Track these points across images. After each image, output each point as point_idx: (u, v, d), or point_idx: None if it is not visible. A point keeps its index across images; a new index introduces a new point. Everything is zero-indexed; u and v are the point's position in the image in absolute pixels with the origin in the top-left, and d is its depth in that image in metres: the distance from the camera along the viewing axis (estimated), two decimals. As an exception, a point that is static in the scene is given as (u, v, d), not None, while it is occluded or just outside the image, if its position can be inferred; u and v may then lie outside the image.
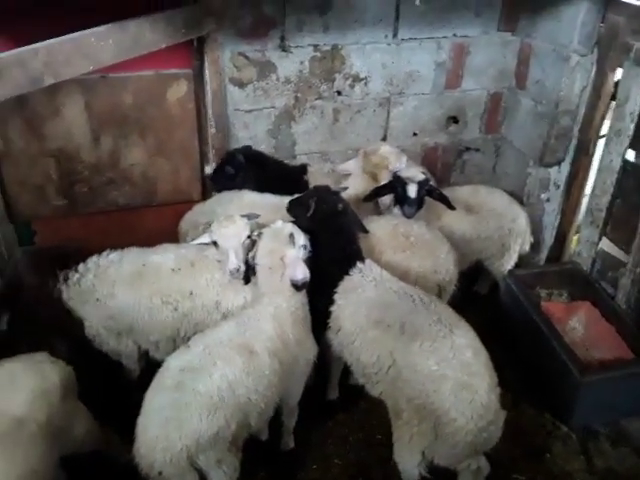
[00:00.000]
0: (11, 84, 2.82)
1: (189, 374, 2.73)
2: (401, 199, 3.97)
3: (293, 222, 3.38)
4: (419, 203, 3.97)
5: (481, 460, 2.94)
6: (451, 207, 4.08)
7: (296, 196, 3.77)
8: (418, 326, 2.99)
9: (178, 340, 3.46)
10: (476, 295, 5.13)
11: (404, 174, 3.99)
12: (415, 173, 4.01)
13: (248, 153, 4.45)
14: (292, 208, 3.67)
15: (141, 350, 3.64)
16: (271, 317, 3.08)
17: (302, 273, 3.07)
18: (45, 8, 3.59)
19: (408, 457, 2.94)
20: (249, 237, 3.44)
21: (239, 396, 2.77)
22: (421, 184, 3.94)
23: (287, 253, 3.13)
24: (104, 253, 3.60)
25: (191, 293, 3.45)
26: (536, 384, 4.18)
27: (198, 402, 2.65)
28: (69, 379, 2.95)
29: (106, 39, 3.20)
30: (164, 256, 3.58)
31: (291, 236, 3.18)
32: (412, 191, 3.91)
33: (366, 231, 3.66)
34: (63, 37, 3.05)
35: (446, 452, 2.83)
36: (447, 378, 2.79)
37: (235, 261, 3.37)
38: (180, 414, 2.62)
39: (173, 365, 2.82)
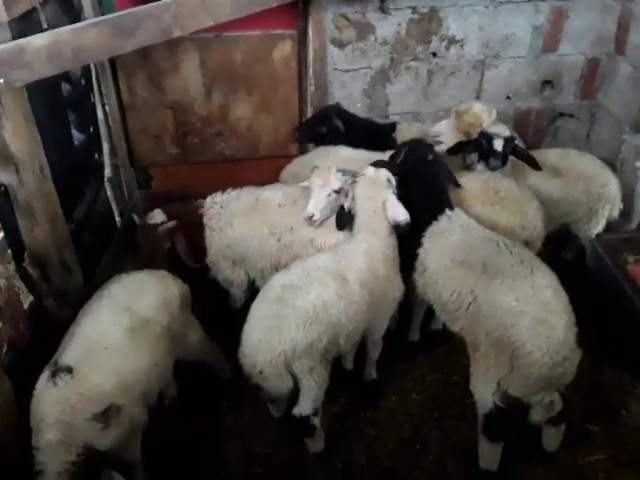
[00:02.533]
0: (146, 34, 3.23)
1: (289, 290, 3.04)
2: (487, 153, 4.01)
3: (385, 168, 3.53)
4: (504, 158, 4.00)
5: (555, 395, 3.01)
6: (537, 167, 4.08)
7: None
8: (500, 266, 3.10)
9: (279, 269, 3.71)
10: (562, 261, 5.09)
11: (491, 130, 4.05)
12: (502, 129, 4.06)
13: (341, 115, 4.61)
14: (391, 156, 3.93)
15: (250, 279, 4.01)
16: (363, 253, 3.31)
17: (403, 215, 3.28)
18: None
19: (483, 387, 3.05)
20: (337, 192, 3.61)
21: (331, 315, 3.03)
22: (507, 140, 3.98)
23: (388, 197, 3.33)
24: (227, 190, 3.99)
25: (291, 228, 3.76)
26: (618, 346, 4.14)
27: (296, 314, 2.95)
28: (186, 294, 3.37)
29: (225, -4, 3.52)
30: (274, 192, 3.94)
31: (389, 181, 3.39)
32: (498, 145, 3.95)
33: (458, 184, 3.76)
34: (188, -6, 3.40)
35: (520, 383, 2.93)
36: (525, 314, 2.87)
37: (311, 209, 3.60)
38: (280, 323, 2.93)
39: (276, 282, 3.14)
